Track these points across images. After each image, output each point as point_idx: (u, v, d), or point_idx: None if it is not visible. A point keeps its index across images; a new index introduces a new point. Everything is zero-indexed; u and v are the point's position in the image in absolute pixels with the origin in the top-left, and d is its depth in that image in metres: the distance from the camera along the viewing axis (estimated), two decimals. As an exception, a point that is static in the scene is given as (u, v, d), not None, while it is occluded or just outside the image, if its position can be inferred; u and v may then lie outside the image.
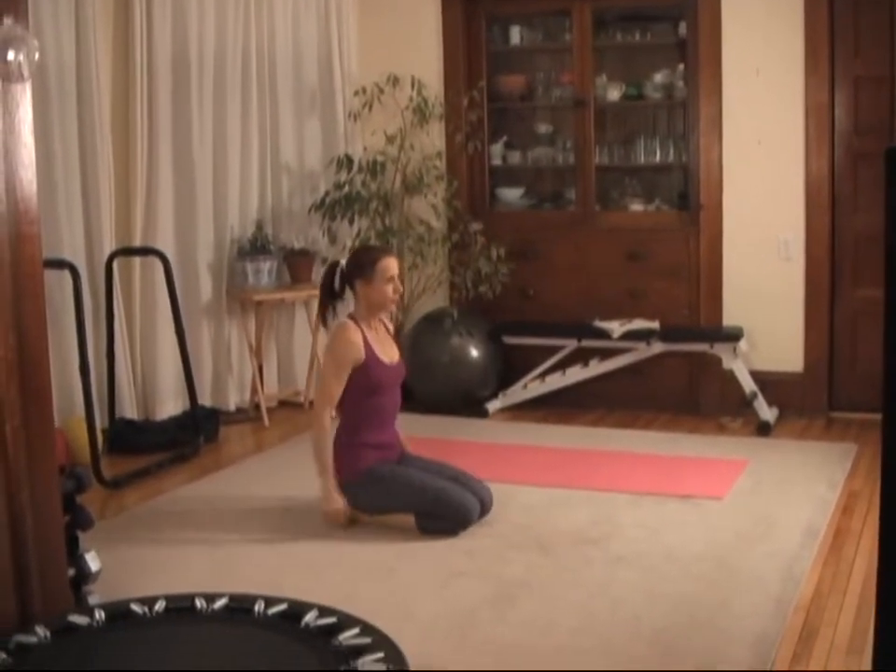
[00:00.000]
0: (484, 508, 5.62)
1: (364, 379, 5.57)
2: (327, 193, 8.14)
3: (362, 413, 5.64)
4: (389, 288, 5.63)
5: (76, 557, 4.38)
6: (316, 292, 7.79)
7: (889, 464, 2.62)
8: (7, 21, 3.65)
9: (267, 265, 7.88)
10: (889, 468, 2.62)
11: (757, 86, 7.61)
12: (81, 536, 4.46)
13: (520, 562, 5.12)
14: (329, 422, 5.59)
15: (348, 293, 5.76)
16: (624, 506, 5.87)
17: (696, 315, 7.91)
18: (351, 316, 5.69)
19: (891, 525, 2.65)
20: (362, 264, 5.65)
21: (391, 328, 6.00)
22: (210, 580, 4.89)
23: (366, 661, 3.52)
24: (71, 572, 4.29)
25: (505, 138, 8.57)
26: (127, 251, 7.35)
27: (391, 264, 5.64)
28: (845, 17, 7.42)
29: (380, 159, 8.17)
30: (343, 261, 5.77)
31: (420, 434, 7.03)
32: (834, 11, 7.42)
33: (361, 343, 5.57)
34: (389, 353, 5.74)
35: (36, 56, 3.67)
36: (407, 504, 5.54)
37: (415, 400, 7.82)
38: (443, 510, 5.48)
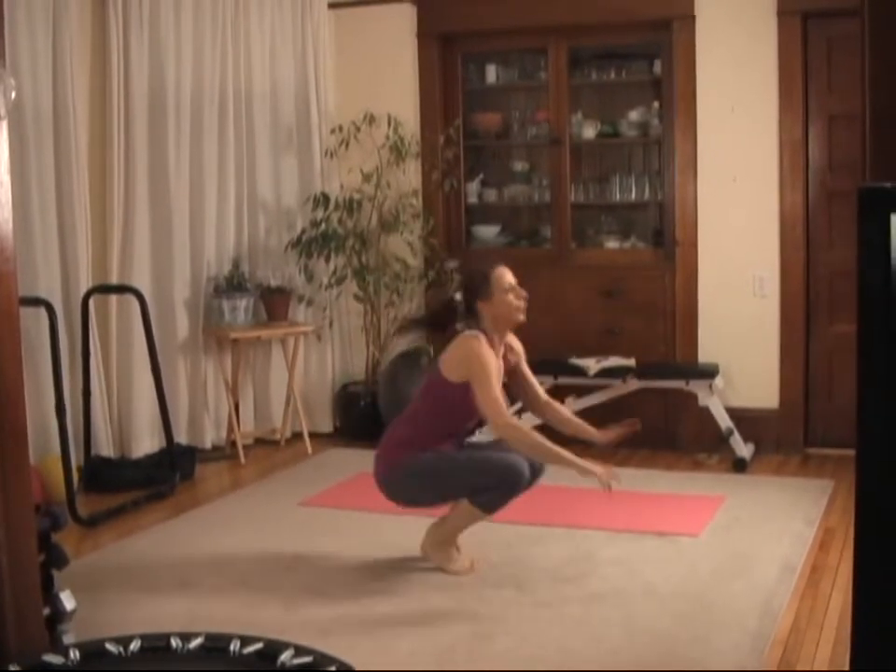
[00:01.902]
0: (535, 472, 5.46)
1: (463, 399, 5.30)
2: (303, 231, 8.15)
3: (438, 429, 5.44)
4: (511, 297, 5.41)
5: (50, 596, 4.35)
6: (292, 330, 7.86)
7: (864, 499, 2.63)
8: (-16, 59, 3.65)
9: (243, 303, 7.87)
10: (864, 502, 2.63)
11: (732, 123, 7.65)
12: (56, 574, 4.44)
13: (497, 599, 5.11)
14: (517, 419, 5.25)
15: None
16: (602, 543, 5.87)
17: (672, 352, 7.93)
18: (482, 330, 5.40)
19: (866, 560, 2.66)
20: (476, 283, 5.42)
21: (517, 346, 5.71)
22: (185, 619, 4.87)
23: (343, 699, 3.50)
24: (46, 611, 4.26)
25: (481, 176, 8.59)
26: (103, 289, 7.35)
27: (505, 273, 5.44)
28: (818, 54, 7.49)
29: (356, 196, 8.19)
30: (458, 295, 5.50)
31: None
32: (808, 49, 7.49)
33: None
34: (497, 378, 5.44)
35: (13, 94, 3.67)
36: (455, 487, 5.38)
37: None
38: (495, 475, 5.30)
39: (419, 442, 5.39)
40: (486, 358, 5.27)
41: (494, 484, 5.30)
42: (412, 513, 6.18)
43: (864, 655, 2.71)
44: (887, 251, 2.53)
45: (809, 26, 7.47)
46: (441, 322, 5.62)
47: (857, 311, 2.61)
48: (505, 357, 5.58)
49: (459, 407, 5.36)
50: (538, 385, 5.78)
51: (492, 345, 5.39)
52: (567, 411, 5.88)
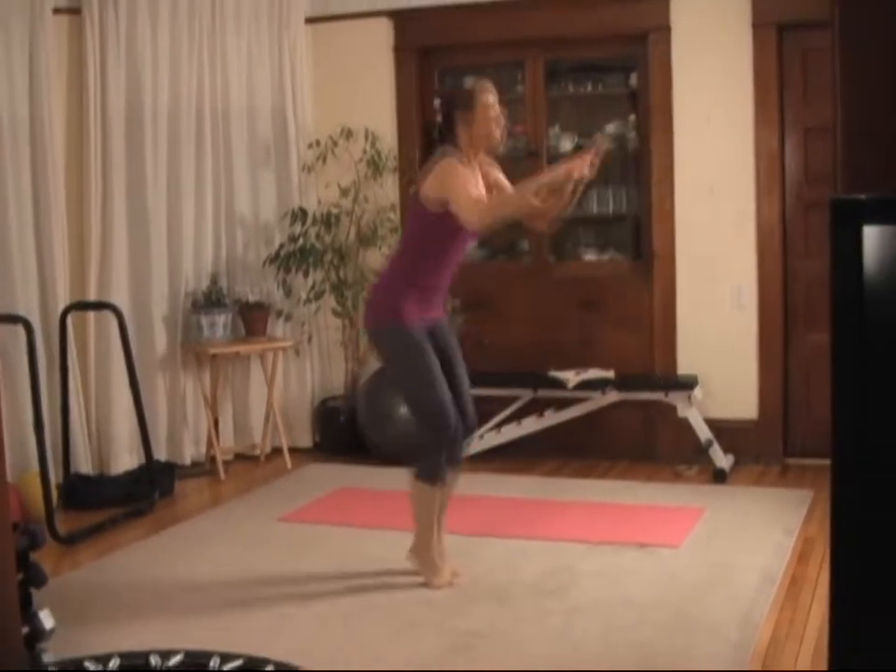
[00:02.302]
0: (469, 430, 5.60)
1: (444, 220, 5.26)
2: (281, 246, 8.14)
3: (425, 255, 5.41)
4: (491, 122, 5.36)
5: (29, 615, 4.34)
6: (271, 345, 7.87)
7: (839, 508, 2.64)
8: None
9: (222, 318, 7.87)
10: (839, 512, 2.64)
11: (708, 135, 7.68)
12: (35, 593, 4.43)
13: (478, 612, 5.11)
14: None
15: None
16: (582, 555, 5.87)
17: (651, 364, 7.94)
18: (453, 155, 5.33)
19: (842, 570, 2.66)
20: (459, 100, 5.41)
21: (493, 171, 5.63)
22: (165, 636, 4.86)
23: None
24: (25, 630, 4.25)
25: (459, 189, 8.58)
26: (81, 305, 7.35)
27: (490, 96, 5.39)
28: (794, 66, 7.52)
29: (334, 211, 8.19)
30: (439, 118, 5.49)
31: (377, 486, 7.06)
32: (784, 60, 7.52)
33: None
34: (477, 189, 5.37)
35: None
36: (407, 386, 5.49)
37: (372, 452, 7.85)
38: (433, 417, 5.37)
39: (407, 282, 5.40)
40: (459, 170, 5.26)
41: (427, 423, 5.41)
42: (392, 528, 6.20)
43: (843, 666, 2.72)
44: (859, 262, 2.54)
45: (785, 38, 7.51)
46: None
47: (830, 322, 2.62)
48: (485, 177, 5.56)
49: (443, 233, 5.35)
50: (505, 184, 5.69)
51: (465, 162, 5.38)
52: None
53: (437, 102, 5.44)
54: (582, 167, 5.13)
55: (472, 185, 5.29)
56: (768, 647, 4.65)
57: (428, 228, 5.36)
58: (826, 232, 2.66)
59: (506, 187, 5.62)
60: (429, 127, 5.47)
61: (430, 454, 5.44)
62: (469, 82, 8.28)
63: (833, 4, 2.90)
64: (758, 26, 7.47)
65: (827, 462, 2.73)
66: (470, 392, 5.70)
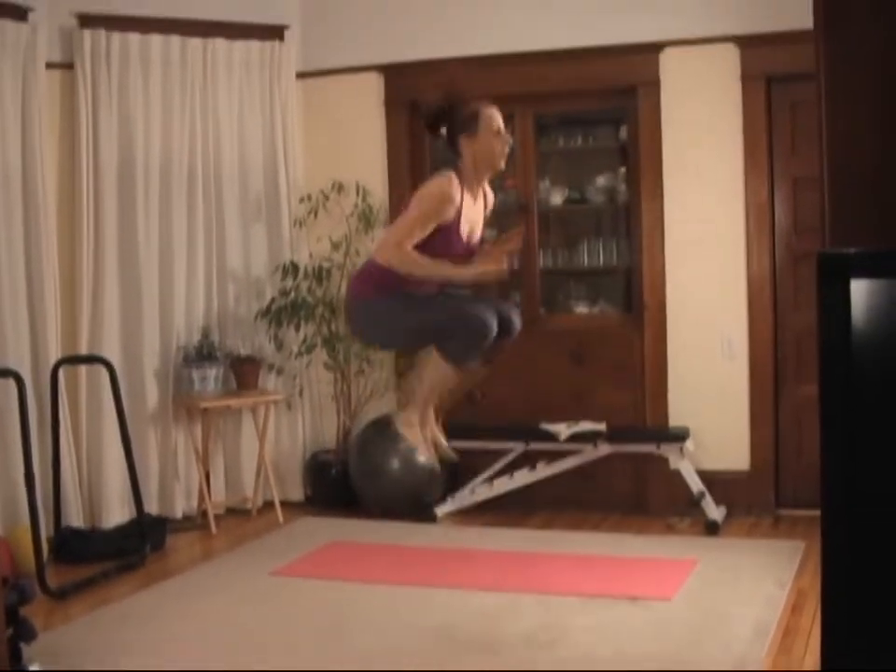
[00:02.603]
0: (505, 325, 5.28)
1: (435, 246, 5.16)
2: (273, 300, 8.15)
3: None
4: (496, 141, 5.25)
5: (19, 670, 4.32)
6: (263, 399, 7.86)
7: (830, 558, 2.64)
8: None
9: (213, 372, 7.86)
10: (830, 562, 2.64)
11: (698, 187, 7.72)
12: (25, 648, 4.42)
13: (469, 665, 5.08)
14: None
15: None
16: (573, 609, 5.85)
17: (643, 416, 7.94)
18: (457, 171, 5.24)
19: (833, 621, 2.67)
20: (463, 118, 5.27)
21: (491, 200, 5.55)
22: (156, 690, 4.84)
23: None
24: (14, 685, 4.24)
25: (450, 243, 8.61)
26: (72, 359, 7.35)
27: (495, 114, 5.29)
28: (782, 118, 7.57)
29: (325, 265, 8.20)
30: (444, 127, 5.33)
31: (369, 540, 7.04)
32: (772, 112, 7.57)
33: (458, 202, 5.16)
34: (472, 227, 5.32)
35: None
36: (421, 329, 5.24)
37: (364, 505, 7.85)
38: (462, 322, 5.14)
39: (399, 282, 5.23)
40: (433, 201, 5.14)
41: (460, 329, 5.15)
42: (384, 582, 6.19)
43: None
44: (847, 315, 2.55)
45: (773, 90, 7.56)
46: (433, 121, 5.42)
47: (819, 374, 2.64)
48: (485, 203, 5.49)
49: (432, 254, 5.19)
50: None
51: (468, 189, 5.27)
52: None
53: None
54: (499, 265, 5.20)
55: (427, 223, 5.12)
56: (761, 699, 4.64)
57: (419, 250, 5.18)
58: (815, 285, 2.67)
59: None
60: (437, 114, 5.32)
61: (464, 338, 5.15)
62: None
63: (817, 56, 2.93)
64: (746, 79, 7.52)
65: (818, 512, 2.74)
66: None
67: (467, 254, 5.35)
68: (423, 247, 5.15)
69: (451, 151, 5.35)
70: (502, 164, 5.36)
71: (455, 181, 5.20)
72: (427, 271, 5.15)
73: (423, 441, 5.51)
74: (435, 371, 5.28)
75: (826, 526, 2.66)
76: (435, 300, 5.34)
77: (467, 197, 5.26)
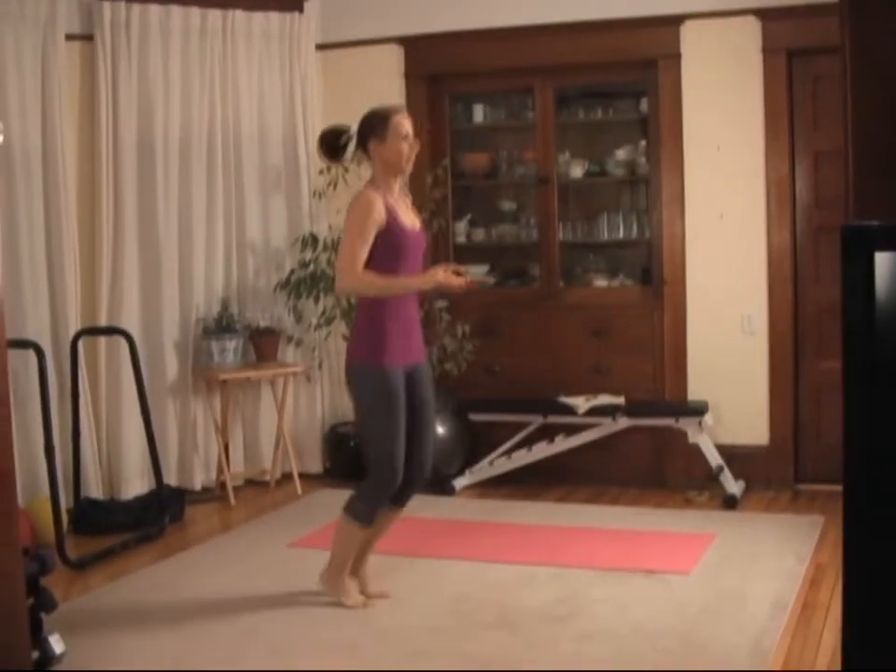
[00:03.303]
0: (410, 484, 5.51)
1: (386, 244, 5.34)
2: (292, 272, 8.15)
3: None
4: (405, 146, 5.42)
5: (39, 640, 4.34)
6: (282, 371, 7.85)
7: (851, 533, 2.63)
8: (-29, 103, 3.67)
9: (232, 344, 7.87)
10: (851, 537, 2.63)
11: (718, 161, 7.68)
12: (45, 618, 4.44)
13: (487, 639, 5.09)
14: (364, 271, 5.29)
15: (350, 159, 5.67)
16: (591, 582, 5.85)
17: (661, 390, 7.93)
18: (369, 185, 5.45)
19: (855, 595, 2.66)
20: (374, 122, 5.46)
21: (409, 201, 5.72)
22: (175, 661, 4.86)
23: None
24: (35, 655, 4.26)
25: (469, 216, 8.61)
26: (92, 331, 7.36)
27: (403, 120, 5.46)
28: (804, 92, 7.54)
29: (345, 237, 8.18)
30: (353, 127, 5.54)
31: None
32: (793, 86, 7.53)
33: (382, 207, 5.32)
34: (411, 219, 5.52)
35: (1, 138, 3.69)
36: (368, 433, 5.46)
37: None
38: (378, 470, 5.37)
39: (381, 323, 5.37)
40: (359, 214, 5.32)
41: (373, 470, 5.41)
42: (402, 554, 6.20)
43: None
44: (870, 289, 2.54)
45: (794, 64, 7.52)
46: (332, 145, 5.66)
47: (842, 347, 2.63)
48: (405, 198, 5.67)
49: (386, 258, 5.36)
50: None
51: (387, 191, 5.45)
52: None
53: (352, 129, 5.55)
54: (456, 280, 5.40)
55: (364, 238, 5.29)
56: (779, 674, 4.64)
57: (372, 257, 5.34)
58: (837, 258, 2.65)
59: None
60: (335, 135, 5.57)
61: (368, 497, 5.46)
62: (478, 110, 8.35)
63: (843, 30, 2.91)
64: (768, 52, 7.48)
65: (838, 488, 2.73)
66: (430, 448, 5.65)
67: (421, 241, 5.59)
68: (382, 256, 5.35)
69: (365, 154, 5.57)
70: (408, 167, 5.55)
71: (370, 189, 5.42)
72: (386, 290, 5.36)
73: (348, 594, 5.64)
74: (343, 539, 5.59)
75: (848, 501, 2.65)
76: (393, 426, 5.42)
77: (388, 197, 5.43)
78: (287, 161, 8.34)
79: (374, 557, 5.93)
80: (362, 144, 5.52)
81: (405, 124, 5.46)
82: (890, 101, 2.85)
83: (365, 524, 5.49)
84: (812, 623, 5.20)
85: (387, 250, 5.34)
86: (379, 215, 5.31)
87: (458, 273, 5.51)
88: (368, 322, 5.44)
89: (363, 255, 5.28)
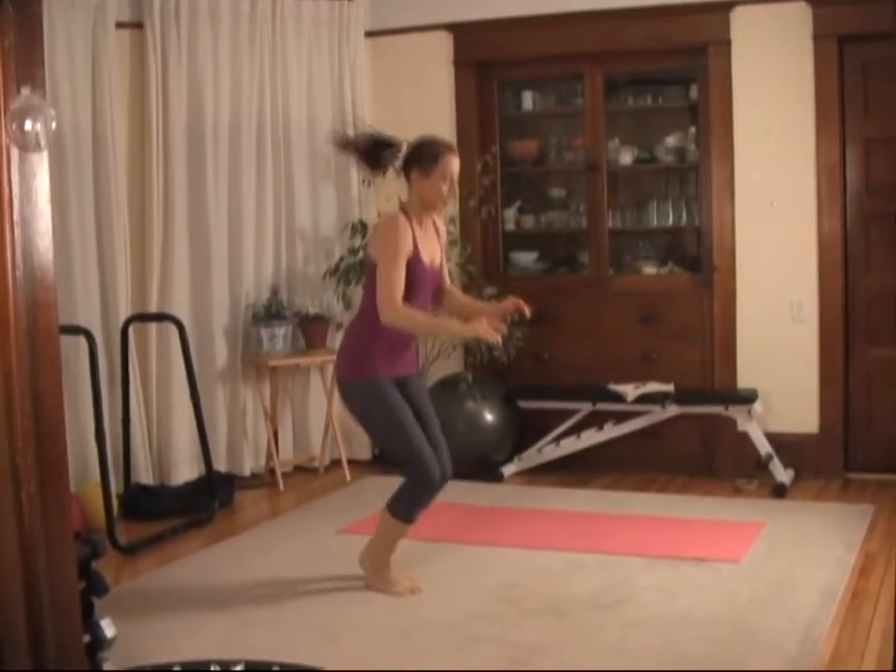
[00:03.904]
0: (444, 479, 5.54)
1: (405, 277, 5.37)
2: (341, 259, 8.16)
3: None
4: (444, 187, 5.44)
5: (91, 624, 4.37)
6: (331, 357, 7.84)
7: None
8: (25, 90, 3.69)
9: (282, 330, 7.90)
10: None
11: (768, 148, 7.64)
12: (96, 602, 4.46)
13: (535, 626, 5.10)
14: (406, 305, 5.31)
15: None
16: (639, 570, 5.85)
17: (711, 378, 7.90)
18: (402, 209, 5.49)
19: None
20: (424, 154, 5.46)
21: (443, 229, 5.78)
22: (225, 646, 4.88)
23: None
24: (86, 639, 4.28)
25: (518, 203, 8.60)
26: (142, 317, 7.40)
27: (453, 163, 5.47)
28: (854, 78, 7.48)
29: (394, 224, 8.18)
30: (405, 146, 5.55)
31: (436, 499, 7.05)
32: (844, 73, 7.48)
33: (410, 237, 5.36)
34: (431, 253, 5.53)
35: (53, 125, 3.71)
36: (381, 437, 5.60)
37: (430, 464, 7.86)
38: (416, 467, 5.42)
39: (376, 341, 5.42)
40: (394, 241, 5.33)
41: (409, 473, 5.49)
42: (448, 541, 6.22)
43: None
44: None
45: (845, 50, 7.46)
46: (373, 153, 5.59)
47: None
48: (437, 231, 5.69)
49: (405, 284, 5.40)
50: (446, 272, 5.84)
51: (416, 221, 5.48)
52: (461, 294, 5.99)
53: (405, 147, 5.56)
54: (494, 336, 5.33)
55: (399, 264, 5.31)
56: (829, 663, 4.61)
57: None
58: (888, 245, 2.64)
59: (445, 277, 5.81)
60: (378, 145, 5.55)
61: (411, 495, 5.51)
62: (527, 97, 8.34)
63: (896, 16, 2.89)
64: (818, 38, 7.43)
65: (888, 477, 2.72)
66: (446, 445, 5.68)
67: (435, 278, 5.62)
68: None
69: (405, 177, 5.57)
70: (442, 209, 5.60)
71: (401, 216, 5.43)
72: (426, 328, 5.57)
73: (393, 583, 5.66)
74: (387, 533, 5.64)
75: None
76: (401, 428, 5.46)
77: (416, 229, 5.45)
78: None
79: (424, 545, 5.94)
80: (405, 167, 5.53)
81: (453, 166, 5.48)
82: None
83: (409, 521, 5.57)
84: (862, 613, 5.17)
85: (407, 283, 5.38)
86: (406, 244, 5.35)
87: (519, 309, 5.59)
88: (354, 338, 5.57)
89: (401, 283, 5.32)
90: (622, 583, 5.64)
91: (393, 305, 5.28)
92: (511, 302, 5.60)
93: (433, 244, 5.59)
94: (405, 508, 5.52)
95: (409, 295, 5.38)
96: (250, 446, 8.09)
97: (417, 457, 5.40)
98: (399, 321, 5.33)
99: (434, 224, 5.67)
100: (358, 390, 5.50)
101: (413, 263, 5.37)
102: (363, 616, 5.30)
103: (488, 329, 5.30)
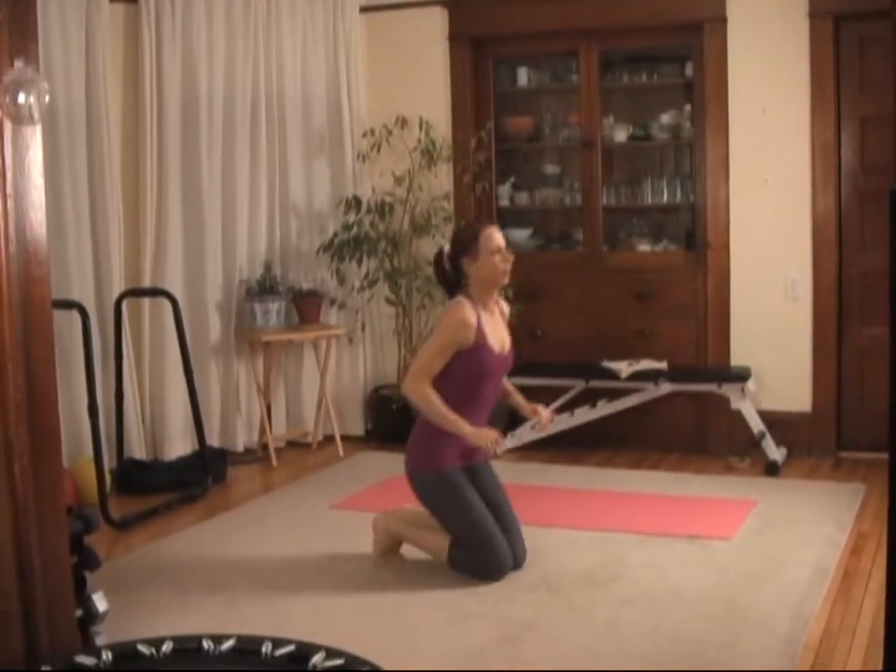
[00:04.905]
0: (517, 565, 5.52)
1: (469, 364, 5.44)
2: (335, 234, 8.16)
3: (459, 401, 5.43)
4: (497, 260, 5.46)
5: (83, 598, 4.37)
6: (324, 333, 7.87)
7: None
8: (18, 63, 3.68)
9: (275, 306, 7.89)
10: None
11: (763, 125, 7.63)
12: (89, 576, 4.47)
13: (528, 603, 5.11)
14: (432, 389, 5.38)
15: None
16: (632, 547, 5.86)
17: (704, 356, 7.91)
18: (467, 297, 5.50)
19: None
20: (464, 242, 5.51)
21: (507, 311, 5.83)
22: (217, 621, 4.89)
23: (373, 701, 3.51)
24: (78, 612, 4.29)
25: (513, 179, 8.59)
26: (136, 292, 7.39)
27: (494, 234, 5.49)
28: (850, 56, 7.46)
29: (388, 200, 8.19)
30: (447, 247, 5.61)
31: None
32: (840, 51, 7.46)
33: (475, 325, 5.40)
34: (501, 339, 5.58)
35: (46, 99, 3.70)
36: (453, 526, 5.48)
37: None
38: (484, 554, 5.39)
39: (444, 433, 5.44)
40: (449, 330, 5.41)
41: (477, 557, 5.42)
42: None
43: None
44: (918, 253, 2.53)
45: (841, 28, 7.44)
46: (444, 273, 5.64)
47: (889, 313, 2.61)
48: (503, 314, 5.74)
49: (469, 375, 5.47)
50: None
51: (482, 306, 5.52)
52: (507, 383, 5.94)
53: (447, 248, 5.63)
54: (493, 447, 5.42)
55: (445, 351, 5.39)
56: (820, 640, 4.63)
57: (453, 371, 5.44)
58: (882, 224, 2.64)
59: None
60: (439, 258, 5.67)
61: (477, 570, 5.42)
62: (522, 73, 8.32)
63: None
64: (814, 16, 7.41)
65: (880, 455, 2.72)
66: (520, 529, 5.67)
67: (506, 364, 5.67)
68: (464, 372, 5.45)
69: (456, 275, 5.58)
70: (505, 280, 5.60)
71: (468, 305, 5.47)
72: (438, 417, 5.41)
73: (384, 521, 5.77)
74: (431, 549, 5.62)
75: (894, 469, 2.64)
76: (475, 511, 5.49)
77: (483, 314, 5.50)
78: (330, 123, 8.34)
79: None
80: (454, 266, 5.55)
81: (496, 238, 5.50)
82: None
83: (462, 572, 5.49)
84: (853, 591, 5.19)
85: (470, 368, 5.45)
86: (466, 337, 5.40)
87: (535, 412, 5.72)
88: (423, 427, 5.56)
89: (437, 369, 5.40)
90: (614, 560, 5.65)
91: (419, 383, 5.40)
92: (531, 409, 5.76)
93: (501, 329, 5.65)
94: (463, 568, 5.46)
95: (479, 383, 5.49)
96: (243, 421, 8.09)
97: (486, 541, 5.40)
98: (416, 398, 5.44)
99: (500, 307, 5.72)
100: (425, 480, 5.54)
101: (480, 350, 5.44)
102: (354, 592, 5.31)
103: (491, 445, 5.38)
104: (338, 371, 8.46)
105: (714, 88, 7.71)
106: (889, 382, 2.61)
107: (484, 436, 5.38)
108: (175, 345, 7.18)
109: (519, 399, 5.83)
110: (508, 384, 5.89)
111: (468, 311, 5.41)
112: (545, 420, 5.69)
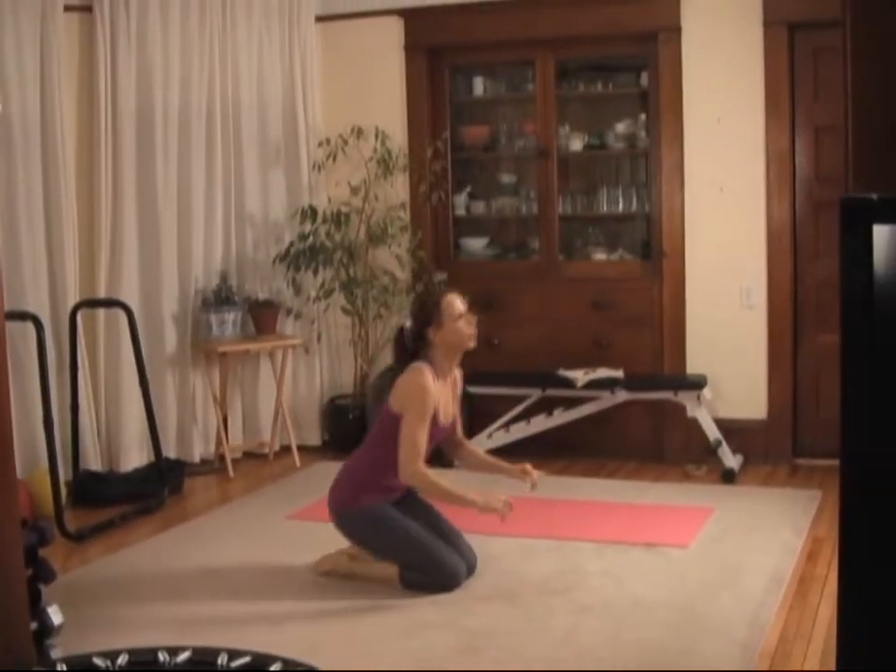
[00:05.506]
0: (470, 570, 5.53)
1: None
2: (291, 244, 8.14)
3: (388, 463, 5.41)
4: (462, 324, 5.49)
5: (38, 611, 4.34)
6: (281, 343, 7.85)
7: (848, 509, 2.64)
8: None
9: (231, 316, 7.87)
10: (848, 512, 2.64)
11: (718, 134, 7.67)
12: (44, 589, 4.44)
13: (486, 612, 5.11)
14: (427, 468, 5.38)
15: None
16: (590, 555, 5.87)
17: (660, 364, 7.93)
18: (428, 361, 5.49)
19: (851, 570, 2.66)
20: (427, 313, 5.51)
21: (460, 382, 5.82)
22: (173, 633, 4.86)
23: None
24: (33, 626, 4.26)
25: (469, 188, 8.60)
26: (91, 303, 7.36)
27: (454, 301, 5.52)
28: (805, 65, 7.51)
29: (344, 209, 8.18)
30: (407, 322, 5.63)
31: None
32: (795, 59, 7.51)
33: (435, 395, 5.42)
34: (447, 409, 5.58)
35: (0, 109, 3.68)
36: (396, 554, 5.45)
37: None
38: (434, 569, 5.37)
39: (374, 483, 5.51)
40: (422, 402, 5.37)
41: (429, 573, 5.39)
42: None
43: (849, 665, 2.72)
44: (869, 261, 2.54)
45: (796, 37, 7.49)
46: (404, 349, 5.64)
47: (840, 322, 2.62)
48: (453, 388, 5.71)
49: None
50: (459, 424, 5.86)
51: (441, 374, 5.52)
52: (479, 451, 6.03)
53: (407, 324, 5.67)
54: (505, 512, 5.43)
55: (425, 423, 5.36)
56: (776, 646, 4.65)
57: (395, 438, 5.40)
58: (836, 232, 2.65)
59: (457, 427, 5.82)
60: (400, 335, 5.70)
61: (429, 583, 5.40)
62: (478, 82, 8.33)
63: (844, 3, 2.90)
64: (769, 25, 7.46)
65: (836, 462, 2.73)
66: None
67: (442, 435, 5.65)
68: (398, 437, 5.39)
69: (419, 343, 5.56)
70: (472, 344, 5.60)
71: (428, 371, 5.45)
72: (445, 497, 5.46)
73: (328, 563, 5.73)
74: (382, 574, 5.52)
75: (845, 476, 2.65)
76: (414, 531, 5.49)
77: (439, 384, 5.50)
78: (286, 133, 8.33)
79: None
80: (419, 337, 5.53)
81: (456, 304, 5.53)
82: (891, 75, 2.84)
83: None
84: (808, 597, 5.22)
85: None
86: (432, 402, 5.39)
87: (524, 472, 5.67)
88: (355, 474, 5.59)
89: (424, 441, 5.37)
90: (572, 569, 5.66)
91: (418, 468, 5.36)
92: (520, 469, 5.70)
93: (448, 397, 5.62)
94: (419, 587, 5.40)
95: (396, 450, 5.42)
96: (200, 432, 8.06)
97: (432, 556, 5.40)
98: (419, 484, 5.46)
99: (454, 376, 5.71)
100: (352, 518, 5.53)
101: (432, 422, 5.42)
102: (312, 603, 5.30)
103: (504, 509, 5.39)
104: (294, 382, 8.45)
105: (669, 97, 7.74)
106: (841, 389, 2.63)
107: (494, 502, 5.39)
108: (131, 356, 7.14)
109: (503, 467, 5.80)
110: (487, 456, 5.96)
111: (428, 377, 5.40)
112: (535, 477, 5.66)
